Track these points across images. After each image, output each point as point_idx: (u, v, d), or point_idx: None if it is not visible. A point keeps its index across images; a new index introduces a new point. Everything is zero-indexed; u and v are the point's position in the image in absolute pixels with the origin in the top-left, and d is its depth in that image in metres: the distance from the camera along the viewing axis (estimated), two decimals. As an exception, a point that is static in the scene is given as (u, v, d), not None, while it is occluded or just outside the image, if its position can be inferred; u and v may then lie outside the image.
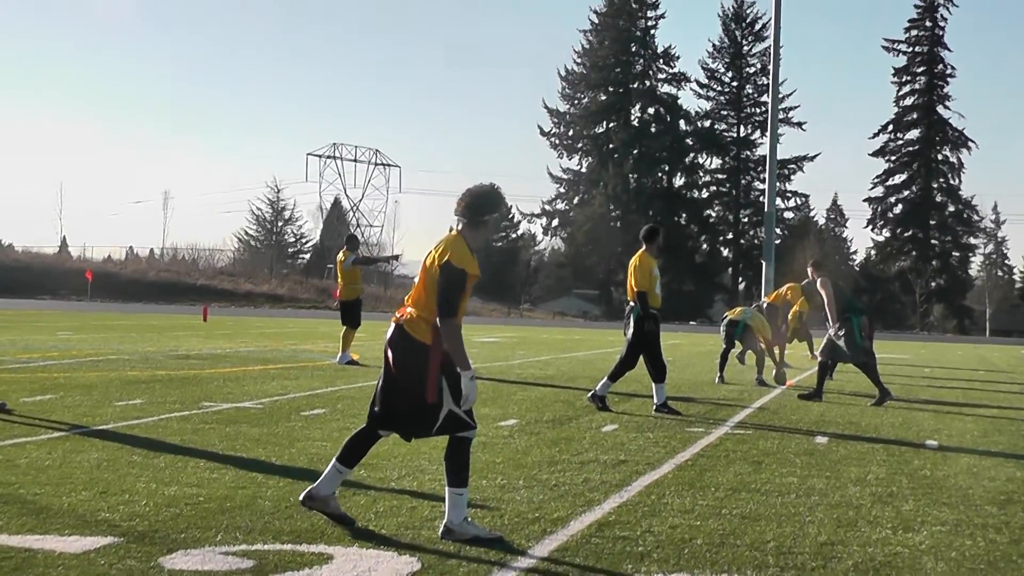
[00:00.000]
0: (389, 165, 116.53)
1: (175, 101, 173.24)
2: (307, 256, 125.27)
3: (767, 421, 14.13)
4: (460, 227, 7.23)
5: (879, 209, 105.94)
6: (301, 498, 7.26)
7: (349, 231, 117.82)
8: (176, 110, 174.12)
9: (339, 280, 22.86)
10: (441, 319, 6.87)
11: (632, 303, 14.84)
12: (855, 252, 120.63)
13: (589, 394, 15.15)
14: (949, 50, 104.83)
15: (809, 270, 18.07)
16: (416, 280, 7.25)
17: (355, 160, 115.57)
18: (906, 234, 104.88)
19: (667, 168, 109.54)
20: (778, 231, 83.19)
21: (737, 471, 9.94)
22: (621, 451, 10.95)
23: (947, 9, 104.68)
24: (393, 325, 7.16)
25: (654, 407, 14.61)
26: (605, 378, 15.00)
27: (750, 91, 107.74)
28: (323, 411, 13.49)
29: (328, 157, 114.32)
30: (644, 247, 15.03)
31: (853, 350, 17.10)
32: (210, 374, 18.43)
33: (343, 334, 22.20)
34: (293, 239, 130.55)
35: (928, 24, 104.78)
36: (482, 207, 7.18)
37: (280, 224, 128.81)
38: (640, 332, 14.68)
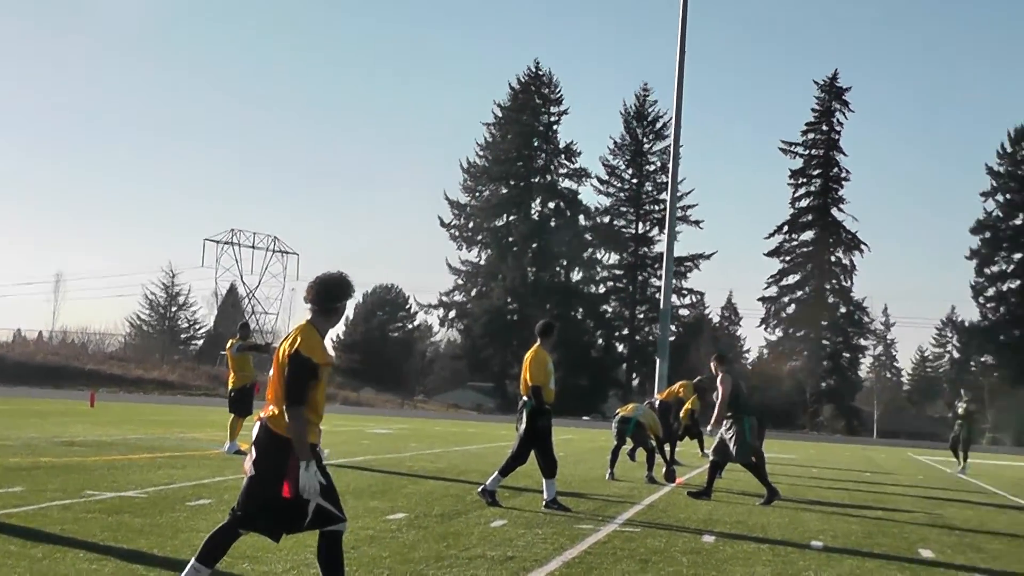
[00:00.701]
0: (287, 252, 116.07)
1: (70, 182, 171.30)
2: (200, 342, 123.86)
3: (656, 519, 14.21)
4: (310, 315, 7.30)
5: (772, 308, 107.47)
6: None
7: (243, 318, 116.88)
8: (70, 191, 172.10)
9: (229, 368, 22.73)
10: (287, 407, 6.91)
11: (525, 397, 14.89)
12: (748, 351, 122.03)
13: (479, 488, 15.13)
14: (844, 154, 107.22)
15: (712, 364, 18.22)
16: (271, 374, 7.29)
17: (253, 247, 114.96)
18: (798, 334, 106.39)
19: (565, 263, 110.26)
20: (673, 328, 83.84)
21: (624, 569, 9.99)
22: (509, 547, 10.94)
23: (843, 114, 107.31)
24: (258, 423, 7.18)
25: (544, 502, 14.63)
26: (496, 472, 15.00)
27: (649, 188, 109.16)
28: (209, 501, 13.32)
29: (226, 243, 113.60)
30: (539, 341, 15.11)
31: (742, 451, 17.28)
32: (95, 461, 18.12)
33: (230, 422, 22.03)
34: (186, 325, 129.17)
35: (824, 128, 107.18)
36: (331, 295, 7.29)
37: (174, 309, 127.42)
38: (532, 427, 14.73)
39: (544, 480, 14.76)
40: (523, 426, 14.88)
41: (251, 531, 7.17)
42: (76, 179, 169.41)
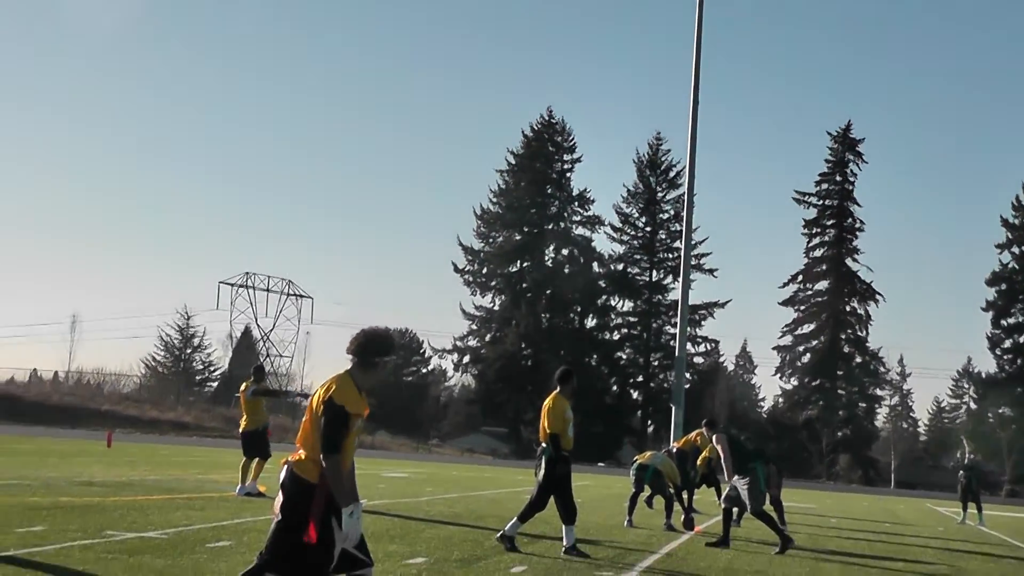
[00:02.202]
0: (302, 296, 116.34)
1: (86, 223, 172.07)
2: (215, 384, 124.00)
3: (676, 567, 14.14)
4: (351, 366, 7.33)
5: (787, 358, 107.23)
6: None
7: (258, 360, 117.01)
8: (87, 233, 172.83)
9: (242, 410, 22.73)
10: (324, 455, 6.93)
11: (543, 444, 14.88)
12: (763, 399, 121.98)
13: (498, 534, 15.08)
14: (859, 204, 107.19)
15: (704, 430, 18.31)
16: (304, 420, 7.28)
17: (267, 290, 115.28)
18: (813, 383, 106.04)
19: (579, 309, 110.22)
20: (688, 376, 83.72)
21: (646, 617, 9.94)
22: (530, 593, 10.90)
23: (857, 165, 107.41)
24: (284, 468, 7.19)
25: (563, 549, 14.58)
26: (515, 518, 14.96)
27: (663, 236, 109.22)
28: (229, 543, 13.30)
29: (240, 286, 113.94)
30: (558, 389, 15.10)
31: (754, 499, 17.22)
32: (114, 502, 18.10)
33: (243, 464, 22.06)
34: (201, 367, 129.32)
35: (838, 179, 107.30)
36: (374, 349, 7.32)
37: (188, 351, 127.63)
38: (551, 474, 14.70)
39: (564, 527, 14.72)
40: (542, 472, 14.86)
41: None
42: (92, 220, 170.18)
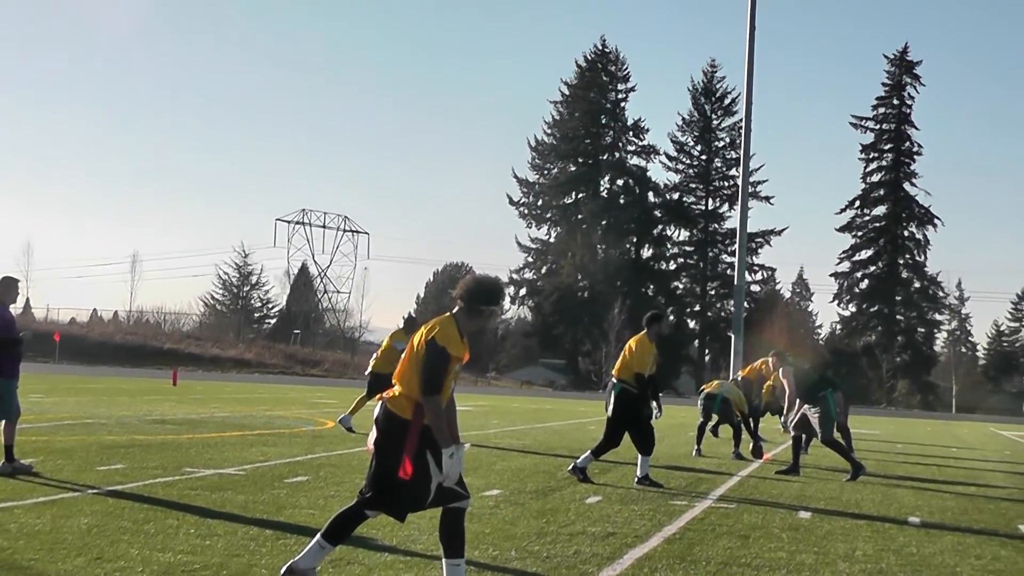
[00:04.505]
0: (358, 232, 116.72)
1: (145, 163, 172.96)
2: (273, 321, 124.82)
3: (749, 495, 14.17)
4: (455, 309, 7.33)
5: (845, 284, 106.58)
6: (283, 571, 7.25)
7: (316, 297, 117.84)
8: (146, 172, 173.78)
9: (380, 354, 22.15)
10: (423, 396, 6.95)
11: (616, 379, 14.93)
12: (820, 326, 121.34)
13: (570, 466, 15.15)
14: (916, 128, 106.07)
15: (770, 360, 18.23)
16: (403, 357, 7.31)
17: (324, 226, 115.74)
18: (872, 309, 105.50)
19: (635, 239, 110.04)
20: (745, 304, 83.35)
21: (725, 545, 9.97)
22: (608, 523, 10.96)
23: (914, 88, 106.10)
24: (379, 404, 7.23)
25: (636, 479, 14.64)
26: (588, 452, 15.02)
27: (719, 165, 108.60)
28: (306, 478, 13.45)
29: (297, 223, 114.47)
30: (645, 330, 15.31)
31: (825, 427, 17.16)
32: (188, 440, 18.34)
33: (360, 399, 21.92)
34: (259, 304, 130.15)
35: (895, 102, 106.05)
36: (481, 297, 7.28)
37: (247, 289, 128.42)
38: (623, 410, 14.76)
39: (640, 456, 14.77)
40: (612, 408, 14.92)
41: (380, 512, 7.22)
42: (151, 160, 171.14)
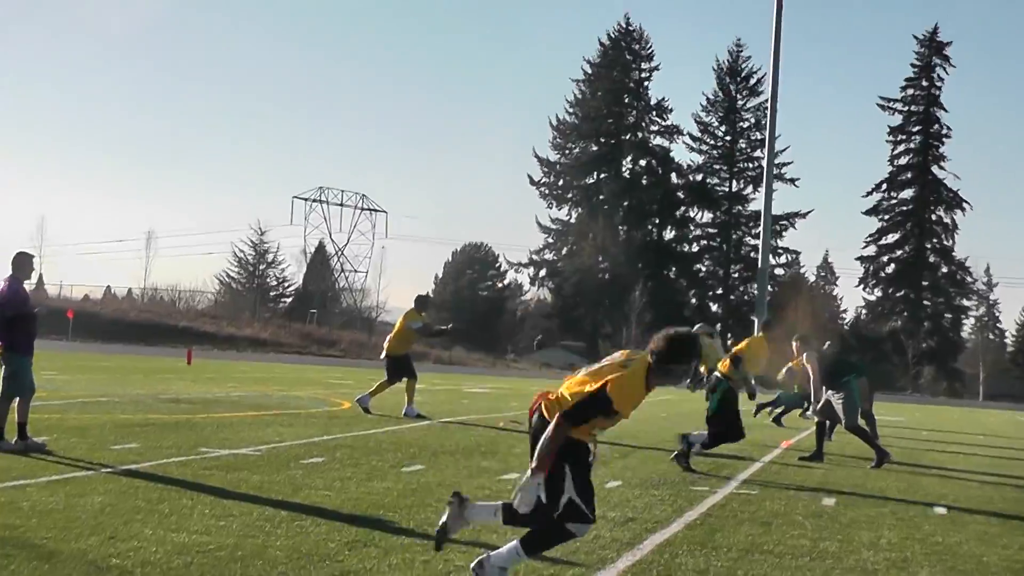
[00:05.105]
0: (375, 210, 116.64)
1: (160, 138, 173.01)
2: (289, 300, 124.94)
3: (772, 480, 14.16)
4: (652, 359, 7.03)
5: (871, 268, 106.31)
6: (472, 565, 7.13)
7: (332, 276, 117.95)
8: (160, 147, 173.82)
9: (396, 335, 22.27)
10: (562, 416, 6.75)
11: (719, 375, 15.30)
12: (845, 311, 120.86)
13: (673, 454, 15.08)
14: (945, 110, 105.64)
15: (794, 344, 18.17)
16: (579, 374, 7.18)
17: (341, 204, 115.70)
18: (898, 294, 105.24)
19: (657, 221, 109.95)
20: (769, 288, 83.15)
21: (747, 532, 9.96)
22: (628, 508, 10.95)
23: (944, 69, 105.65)
24: (536, 411, 7.12)
25: (676, 452, 14.69)
26: (697, 444, 14.96)
27: (743, 145, 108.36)
28: (322, 459, 13.46)
29: (314, 201, 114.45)
30: (762, 333, 16.29)
31: (849, 413, 17.11)
32: (203, 419, 18.38)
33: (382, 384, 22.02)
34: (275, 282, 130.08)
35: (924, 84, 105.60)
36: (673, 356, 6.97)
37: (262, 267, 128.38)
38: (732, 404, 15.25)
39: (694, 434, 14.96)
40: (715, 403, 15.26)
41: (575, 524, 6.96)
42: (166, 135, 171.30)
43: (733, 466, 15.73)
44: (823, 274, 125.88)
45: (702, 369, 17.46)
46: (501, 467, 13.75)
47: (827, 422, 18.01)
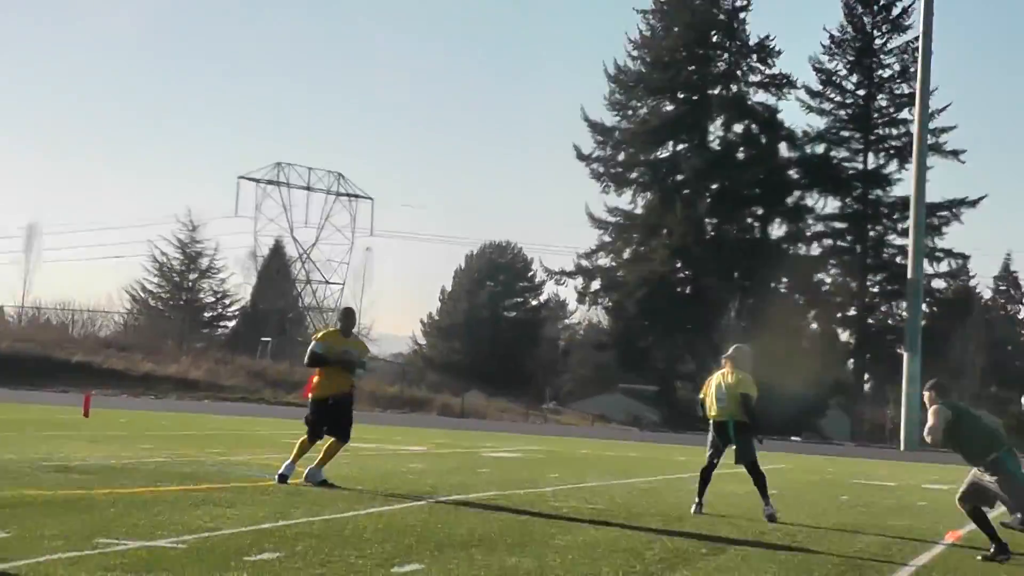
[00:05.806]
0: (357, 196, 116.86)
1: (48, 107, 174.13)
2: (232, 324, 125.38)
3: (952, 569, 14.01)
4: None
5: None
6: None
7: (294, 290, 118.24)
8: (48, 119, 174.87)
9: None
10: None
11: None
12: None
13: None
14: None
15: (925, 395, 18.01)
16: None
17: (308, 188, 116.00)
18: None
19: (760, 212, 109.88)
20: (924, 307, 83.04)
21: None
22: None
23: None
24: None
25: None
26: None
27: (883, 103, 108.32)
28: (277, 555, 13.29)
29: (268, 183, 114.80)
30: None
31: (1018, 497, 16.93)
32: (105, 496, 18.30)
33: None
34: (213, 299, 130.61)
35: None
36: None
37: (194, 277, 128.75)
38: None
39: None
40: None
41: None
42: (58, 108, 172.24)
43: (884, 565, 15.54)
44: (1003, 287, 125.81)
45: None
46: (535, 566, 13.56)
47: (982, 508, 17.78)
